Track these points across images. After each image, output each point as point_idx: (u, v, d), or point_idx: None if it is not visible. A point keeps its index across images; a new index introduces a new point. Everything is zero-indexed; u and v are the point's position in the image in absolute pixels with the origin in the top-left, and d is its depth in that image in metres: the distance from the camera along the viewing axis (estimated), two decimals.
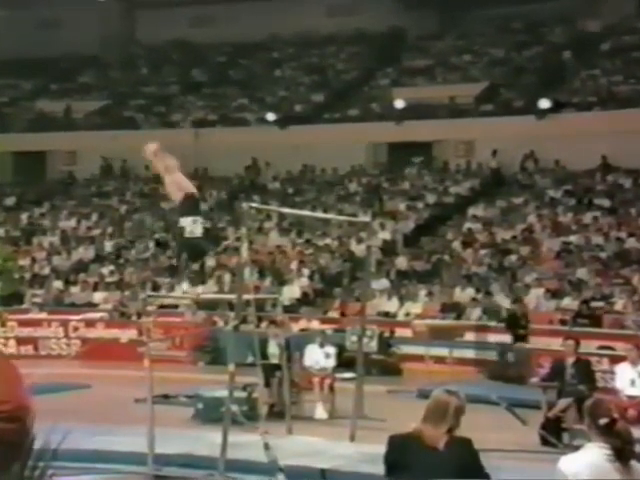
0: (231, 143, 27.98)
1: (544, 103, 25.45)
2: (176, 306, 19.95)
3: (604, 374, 13.92)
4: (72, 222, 27.41)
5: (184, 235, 9.19)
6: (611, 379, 12.39)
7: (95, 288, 22.57)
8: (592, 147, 23.44)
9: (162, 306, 19.23)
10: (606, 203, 22.83)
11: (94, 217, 27.62)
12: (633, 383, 11.22)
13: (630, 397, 11.09)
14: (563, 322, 17.48)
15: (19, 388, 2.91)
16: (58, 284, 23.20)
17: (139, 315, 19.51)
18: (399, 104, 27.40)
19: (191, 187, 9.65)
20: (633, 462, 4.29)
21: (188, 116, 31.40)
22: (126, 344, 18.14)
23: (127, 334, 18.79)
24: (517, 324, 17.22)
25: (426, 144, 27.81)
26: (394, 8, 32.13)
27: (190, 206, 9.29)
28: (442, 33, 32.14)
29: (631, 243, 20.45)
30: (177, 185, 9.52)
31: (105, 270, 23.70)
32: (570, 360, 11.48)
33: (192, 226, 9.18)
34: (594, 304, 17.80)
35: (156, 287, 21.29)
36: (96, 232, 26.59)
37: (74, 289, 22.90)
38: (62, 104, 32.47)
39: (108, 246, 25.65)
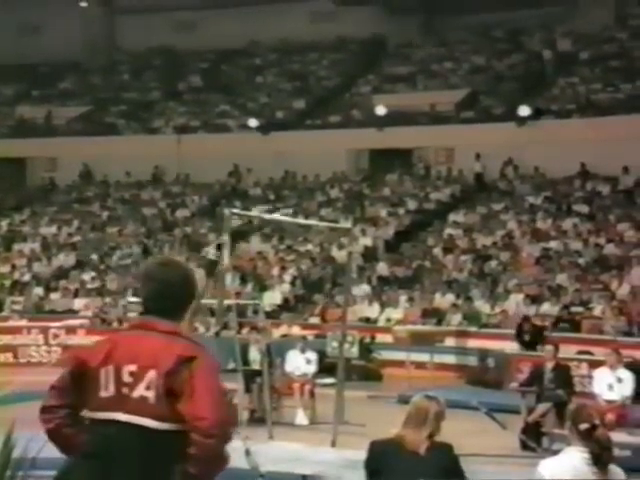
0: (213, 149, 27.94)
1: (524, 110, 25.56)
2: None
3: (583, 379, 13.98)
4: (53, 228, 27.26)
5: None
6: (589, 384, 12.43)
7: (76, 295, 22.43)
8: (571, 154, 23.55)
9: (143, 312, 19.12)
10: (585, 209, 22.95)
11: (75, 223, 27.48)
12: (611, 388, 11.28)
13: (608, 402, 11.16)
14: (543, 327, 17.51)
15: (221, 405, 3.14)
16: (38, 291, 23.05)
17: (120, 322, 19.44)
18: (380, 111, 27.44)
19: None
20: (612, 466, 4.33)
21: (170, 122, 31.33)
22: None
23: None
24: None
25: (407, 151, 27.87)
26: (376, 15, 32.21)
27: None
28: (423, 40, 32.24)
29: (609, 249, 20.56)
30: None
31: (86, 276, 23.58)
32: (549, 365, 11.53)
33: None
34: (573, 309, 17.88)
35: (137, 293, 21.15)
36: (77, 238, 26.45)
37: (54, 296, 22.75)
38: (43, 110, 32.33)
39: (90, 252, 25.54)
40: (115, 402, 3.19)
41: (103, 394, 3.22)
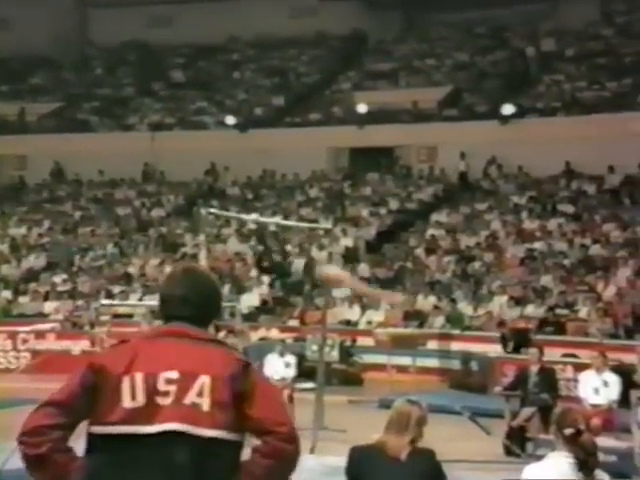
0: (189, 147, 27.85)
1: (508, 108, 25.64)
2: (131, 315, 19.77)
3: (568, 382, 14.04)
4: (22, 229, 27.05)
5: None
6: (575, 387, 12.47)
7: (46, 298, 22.24)
8: (556, 153, 23.65)
9: (116, 315, 19.04)
10: (570, 209, 23.06)
11: (46, 224, 27.31)
12: (597, 391, 11.31)
13: (594, 406, 11.18)
14: (527, 330, 17.57)
15: (287, 411, 3.10)
16: (7, 294, 22.84)
17: (92, 325, 19.35)
18: (361, 108, 27.44)
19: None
20: (598, 471, 4.33)
21: (144, 119, 31.20)
22: (78, 356, 17.86)
23: (79, 345, 18.48)
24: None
25: (388, 149, 27.90)
26: (357, 11, 32.23)
27: None
28: (405, 37, 32.29)
29: (595, 250, 20.66)
30: None
31: (57, 279, 23.41)
32: (534, 368, 11.55)
33: None
34: (558, 311, 17.94)
35: (110, 296, 21.10)
36: (47, 239, 26.29)
37: (23, 299, 22.54)
38: (14, 107, 32.09)
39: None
40: (147, 413, 2.96)
41: (128, 405, 2.97)
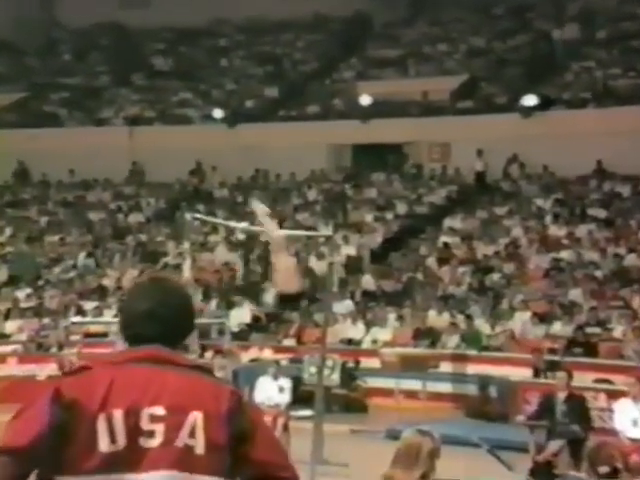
0: (171, 144, 27.84)
1: (530, 99, 25.65)
2: (105, 334, 19.70)
3: (601, 412, 13.97)
4: None
5: None
6: (610, 418, 12.38)
7: (7, 316, 22.15)
8: (586, 150, 23.64)
9: (88, 335, 19.00)
10: (602, 214, 23.04)
11: (8, 231, 27.27)
12: (636, 423, 11.13)
13: (632, 440, 11.01)
14: (553, 351, 17.55)
15: (286, 450, 3.06)
16: None
17: (61, 346, 19.26)
18: (365, 100, 27.46)
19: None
20: None
21: (120, 112, 31.21)
22: (44, 382, 17.78)
23: (46, 370, 18.37)
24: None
25: (396, 146, 27.90)
26: None
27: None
28: (414, 19, 32.32)
29: (631, 260, 20.63)
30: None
31: (20, 294, 23.33)
32: (562, 395, 11.50)
33: None
34: (589, 330, 17.88)
35: (82, 312, 21.04)
36: (10, 249, 26.23)
37: None
38: None
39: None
40: (130, 458, 2.81)
41: (106, 449, 2.80)
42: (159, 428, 2.84)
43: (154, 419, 2.84)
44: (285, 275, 8.52)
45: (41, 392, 2.91)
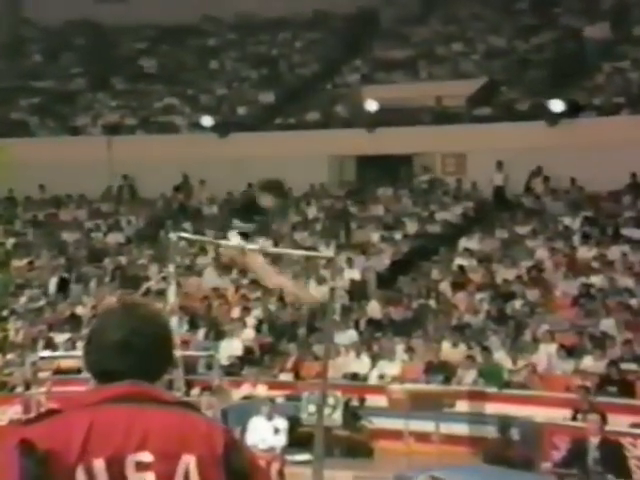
0: (155, 155, 27.91)
1: (556, 105, 25.69)
2: (78, 370, 19.65)
3: None
4: None
5: None
6: None
7: None
8: (619, 162, 23.66)
9: (59, 371, 18.95)
10: (637, 234, 23.04)
11: None
12: None
13: None
14: (584, 389, 17.47)
15: None
16: None
17: (27, 385, 19.16)
18: (371, 106, 27.51)
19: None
20: None
21: (98, 119, 31.27)
22: (7, 426, 17.72)
23: (9, 412, 18.37)
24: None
25: (405, 157, 27.94)
26: None
27: None
28: (426, 16, 32.42)
29: None
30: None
31: None
32: (594, 440, 11.45)
33: None
34: (624, 366, 17.81)
35: (52, 345, 20.98)
36: None
37: None
38: None
39: None
40: None
41: None
42: (149, 477, 2.81)
43: (141, 467, 2.81)
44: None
45: (2, 442, 2.83)
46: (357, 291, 22.84)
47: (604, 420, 11.75)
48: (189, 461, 2.84)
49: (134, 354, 2.95)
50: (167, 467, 2.82)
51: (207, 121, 29.10)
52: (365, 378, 19.55)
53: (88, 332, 3.11)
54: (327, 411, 14.25)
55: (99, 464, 2.78)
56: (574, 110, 25.99)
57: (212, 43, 33.96)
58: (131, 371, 2.94)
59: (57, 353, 19.76)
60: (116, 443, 2.80)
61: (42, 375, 18.13)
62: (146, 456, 2.82)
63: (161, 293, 19.37)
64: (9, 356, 21.37)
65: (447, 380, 18.76)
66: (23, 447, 2.77)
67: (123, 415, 2.85)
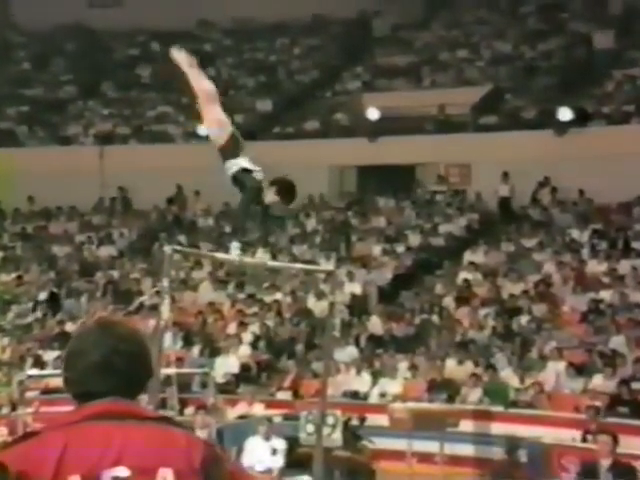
0: (148, 165, 27.91)
1: (564, 114, 25.73)
2: None
3: None
4: None
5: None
6: None
7: None
8: (629, 173, 23.66)
9: (48, 390, 18.92)
10: None
11: None
12: None
13: None
14: (594, 409, 17.44)
15: None
16: None
17: (13, 406, 19.14)
18: (372, 114, 27.55)
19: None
20: None
21: (89, 129, 31.30)
22: None
23: None
24: None
25: (408, 168, 27.96)
26: None
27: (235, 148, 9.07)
28: (428, 21, 32.49)
29: None
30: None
31: None
32: (605, 463, 11.42)
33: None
34: (635, 386, 17.80)
35: (40, 364, 20.97)
36: None
37: None
38: None
39: None
40: None
41: None
42: None
43: None
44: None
45: None
46: (358, 306, 22.84)
47: (615, 441, 11.69)
48: (166, 475, 2.91)
49: (115, 374, 3.04)
50: None
51: (202, 130, 29.09)
52: (366, 396, 19.55)
53: (65, 353, 3.16)
54: (326, 431, 14.21)
55: None
56: (583, 119, 26.02)
57: (207, 49, 33.93)
58: (113, 390, 3.02)
59: (46, 371, 19.71)
60: (92, 460, 2.88)
61: (29, 395, 18.09)
62: (122, 471, 2.89)
63: (155, 308, 19.39)
64: None
65: (451, 399, 18.75)
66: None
67: (101, 432, 2.93)
